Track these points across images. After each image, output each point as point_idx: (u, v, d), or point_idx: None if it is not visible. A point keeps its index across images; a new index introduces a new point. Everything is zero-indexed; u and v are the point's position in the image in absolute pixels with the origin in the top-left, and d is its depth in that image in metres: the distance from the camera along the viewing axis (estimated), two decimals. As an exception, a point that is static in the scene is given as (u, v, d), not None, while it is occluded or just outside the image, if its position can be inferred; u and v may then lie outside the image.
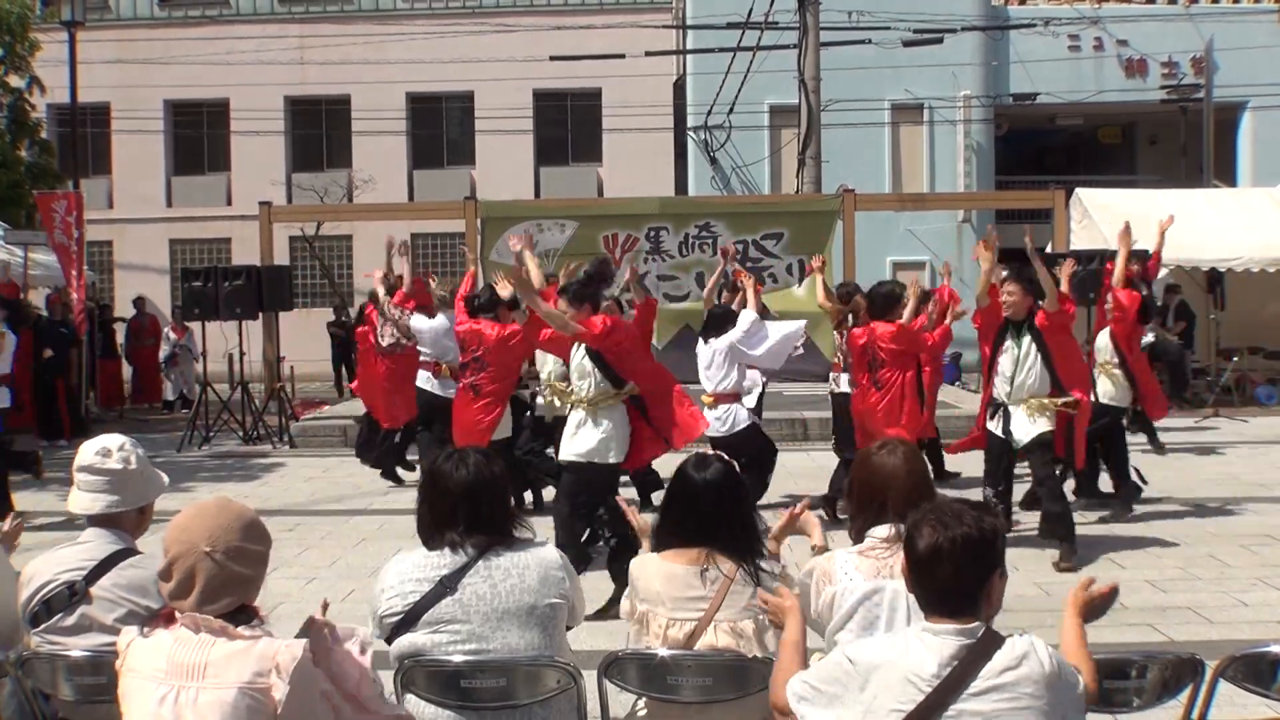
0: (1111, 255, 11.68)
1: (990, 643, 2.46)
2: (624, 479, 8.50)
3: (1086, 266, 12.93)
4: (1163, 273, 11.83)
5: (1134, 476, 8.58)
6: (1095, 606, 2.94)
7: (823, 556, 3.28)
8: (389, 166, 24.92)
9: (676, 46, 24.00)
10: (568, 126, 25.92)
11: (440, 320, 9.41)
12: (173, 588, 2.64)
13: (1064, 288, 7.56)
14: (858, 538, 3.27)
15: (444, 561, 3.13)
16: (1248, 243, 14.78)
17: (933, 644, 2.47)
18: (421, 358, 9.66)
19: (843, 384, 9.04)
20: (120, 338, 18.71)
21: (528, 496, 8.92)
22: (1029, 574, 6.99)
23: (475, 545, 3.14)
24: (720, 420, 8.23)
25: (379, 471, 10.36)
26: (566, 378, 7.33)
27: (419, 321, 9.55)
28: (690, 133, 23.45)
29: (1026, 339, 7.31)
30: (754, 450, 8.27)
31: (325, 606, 2.96)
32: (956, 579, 2.48)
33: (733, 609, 3.21)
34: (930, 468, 8.68)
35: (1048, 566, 7.19)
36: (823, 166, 17.57)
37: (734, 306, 8.87)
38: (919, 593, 2.56)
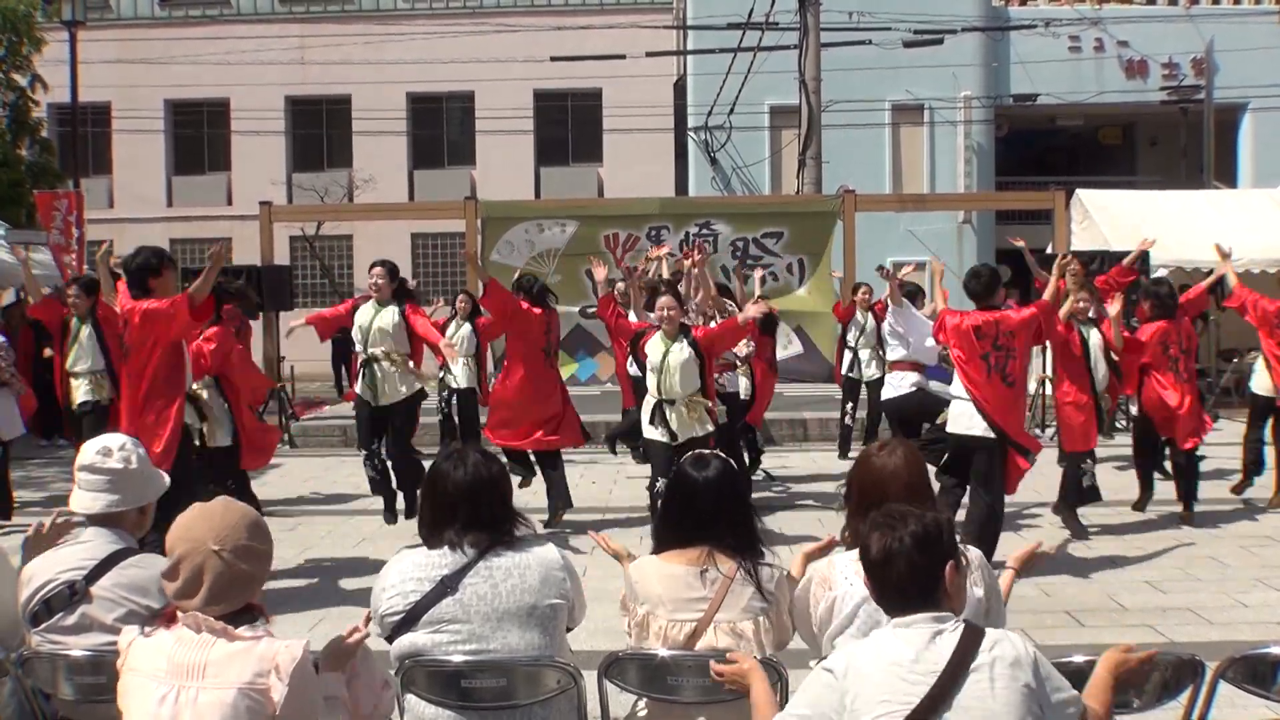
0: (1113, 256, 11.67)
1: (975, 634, 2.52)
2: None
3: (1087, 266, 12.94)
4: (1163, 273, 11.84)
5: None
6: (1132, 675, 2.84)
7: (822, 561, 3.27)
8: (389, 166, 24.93)
9: (677, 47, 23.99)
10: (568, 126, 25.93)
11: None
12: (179, 587, 2.64)
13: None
14: (855, 539, 3.27)
15: (445, 561, 3.13)
16: (1248, 243, 14.75)
17: (906, 635, 2.53)
18: None
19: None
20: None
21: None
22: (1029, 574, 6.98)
23: (476, 545, 3.14)
24: (891, 386, 9.01)
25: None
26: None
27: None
28: (690, 133, 23.44)
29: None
30: (913, 416, 8.80)
31: (368, 619, 3.01)
32: (911, 574, 2.57)
33: (733, 609, 3.21)
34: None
35: (1047, 566, 7.18)
36: (823, 167, 17.57)
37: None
38: (881, 597, 2.65)
